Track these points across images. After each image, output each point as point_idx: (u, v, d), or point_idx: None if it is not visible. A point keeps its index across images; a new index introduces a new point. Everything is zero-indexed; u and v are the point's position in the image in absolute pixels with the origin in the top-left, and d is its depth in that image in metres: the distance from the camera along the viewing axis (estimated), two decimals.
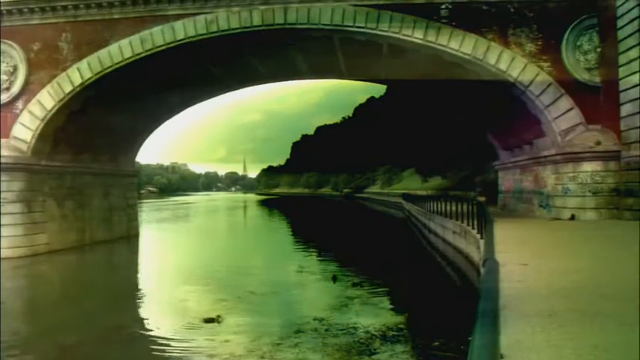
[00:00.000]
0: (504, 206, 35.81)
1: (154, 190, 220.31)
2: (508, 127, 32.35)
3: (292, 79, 41.54)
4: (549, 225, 22.91)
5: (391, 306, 18.03)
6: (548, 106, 25.24)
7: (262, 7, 26.83)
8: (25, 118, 28.57)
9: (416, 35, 25.86)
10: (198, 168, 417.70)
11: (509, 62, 25.51)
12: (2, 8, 28.74)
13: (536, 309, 7.81)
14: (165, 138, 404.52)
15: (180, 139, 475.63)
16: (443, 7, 25.92)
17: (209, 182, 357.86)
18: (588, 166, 24.50)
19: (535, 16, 25.61)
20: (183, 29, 27.42)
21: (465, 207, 23.54)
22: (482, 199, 37.18)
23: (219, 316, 15.79)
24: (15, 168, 28.15)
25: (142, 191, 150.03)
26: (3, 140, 28.46)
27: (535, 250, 14.60)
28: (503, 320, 6.50)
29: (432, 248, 30.26)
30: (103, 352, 13.53)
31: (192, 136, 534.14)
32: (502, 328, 5.96)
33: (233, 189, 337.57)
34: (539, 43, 25.58)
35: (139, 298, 20.31)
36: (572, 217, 24.26)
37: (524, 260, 12.07)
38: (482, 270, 9.27)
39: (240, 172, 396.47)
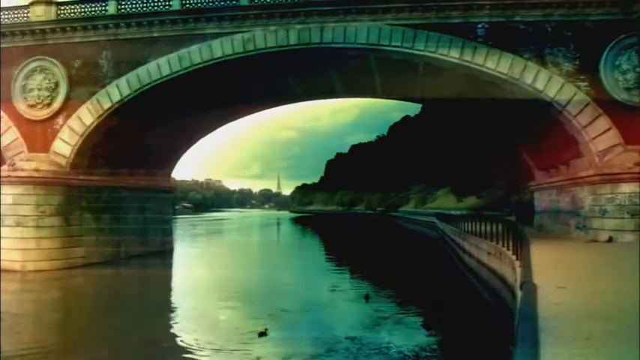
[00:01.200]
0: (541, 227, 35.25)
1: (189, 205, 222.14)
2: (544, 147, 31.93)
3: (327, 98, 41.77)
4: (586, 247, 22.49)
5: (424, 326, 17.82)
6: (586, 126, 24.90)
7: (299, 27, 27.08)
8: (64, 133, 29.18)
9: (452, 54, 25.81)
10: (233, 184, 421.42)
11: (546, 82, 25.27)
12: (46, 27, 29.51)
13: (574, 332, 7.66)
14: (201, 154, 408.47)
15: (215, 156, 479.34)
16: (479, 26, 25.88)
17: (243, 199, 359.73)
18: (627, 188, 23.98)
19: (573, 35, 25.38)
20: (221, 48, 27.78)
21: (499, 227, 23.20)
22: (510, 218, 36.67)
23: (266, 329, 15.96)
24: (54, 182, 28.74)
25: (177, 207, 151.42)
26: (42, 155, 29.09)
27: (572, 272, 14.34)
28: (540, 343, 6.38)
29: (466, 269, 29.88)
30: None
31: (227, 152, 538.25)
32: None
33: (267, 206, 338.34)
34: (577, 62, 25.31)
35: (172, 313, 20.40)
36: (610, 239, 23.75)
37: (561, 282, 11.85)
38: (519, 292, 9.15)
39: (274, 190, 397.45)
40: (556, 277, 12.87)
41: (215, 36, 27.98)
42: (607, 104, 24.75)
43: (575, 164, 27.75)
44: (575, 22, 25.48)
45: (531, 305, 7.14)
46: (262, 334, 15.71)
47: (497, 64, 25.56)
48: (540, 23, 25.69)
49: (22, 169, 28.55)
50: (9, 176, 28.55)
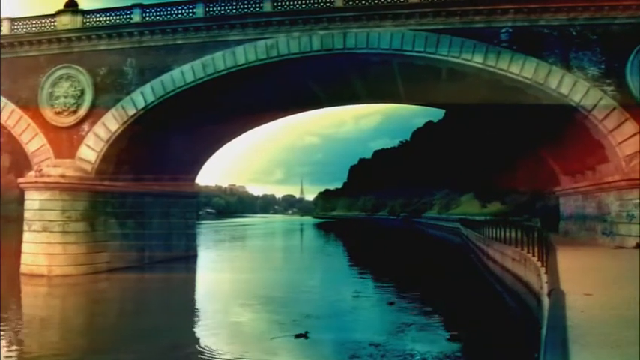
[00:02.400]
0: (566, 233, 34.87)
1: (212, 211, 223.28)
2: (569, 152, 31.60)
3: (350, 104, 41.75)
4: (613, 253, 22.19)
5: (448, 333, 17.70)
6: (612, 130, 24.58)
7: (322, 33, 27.14)
8: (90, 139, 29.51)
9: (475, 60, 25.68)
10: (256, 190, 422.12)
11: (571, 86, 25.02)
12: (72, 35, 29.92)
13: (601, 340, 7.55)
14: (225, 160, 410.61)
15: (238, 162, 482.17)
16: (503, 31, 25.72)
17: (266, 205, 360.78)
18: None
19: (598, 39, 25.12)
20: (244, 54, 27.93)
21: (523, 233, 22.97)
22: (529, 223, 36.34)
23: (307, 332, 16.05)
24: (80, 188, 29.08)
25: (201, 212, 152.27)
26: (69, 161, 29.45)
27: (599, 279, 14.16)
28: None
29: (490, 275, 29.64)
30: None
31: (250, 158, 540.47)
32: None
33: (290, 212, 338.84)
34: (602, 66, 25.04)
35: (196, 318, 20.52)
36: (638, 246, 23.39)
37: (588, 289, 11.69)
38: (543, 299, 9.05)
39: (297, 195, 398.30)
40: (583, 284, 12.71)
41: (238, 43, 28.14)
42: (634, 108, 24.42)
43: (601, 169, 27.41)
44: (601, 26, 25.21)
45: (560, 313, 7.04)
46: (301, 335, 15.77)
47: (522, 69, 25.37)
48: (565, 27, 25.46)
49: (49, 175, 28.94)
50: (36, 182, 28.97)
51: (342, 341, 16.29)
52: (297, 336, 15.89)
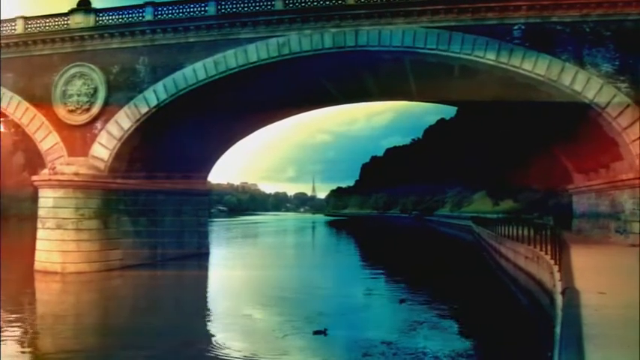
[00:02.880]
0: (579, 231, 34.65)
1: (224, 209, 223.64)
2: (583, 149, 31.38)
3: (362, 101, 41.69)
4: (627, 251, 22.03)
5: (460, 331, 17.66)
6: (626, 128, 24.38)
7: (334, 30, 27.11)
8: (103, 137, 29.66)
9: (488, 56, 25.55)
10: (268, 188, 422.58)
11: (585, 83, 24.81)
12: (85, 33, 30.08)
13: (615, 339, 7.51)
14: (237, 158, 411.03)
15: (250, 159, 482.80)
16: (516, 27, 25.57)
17: (278, 202, 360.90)
18: None
19: (612, 35, 24.90)
20: (256, 52, 27.96)
21: (536, 231, 22.85)
22: (538, 221, 36.18)
23: (326, 329, 16.09)
24: (93, 186, 29.25)
25: (213, 210, 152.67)
26: (82, 159, 29.61)
27: (612, 277, 14.08)
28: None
29: (503, 273, 29.52)
30: None
31: (262, 156, 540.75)
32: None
33: (302, 209, 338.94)
34: (616, 62, 24.81)
35: (208, 316, 20.59)
36: None
37: (601, 288, 11.63)
38: (557, 297, 9.00)
39: (309, 193, 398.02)
40: (596, 282, 12.64)
41: (250, 40, 28.17)
42: None
43: (615, 167, 27.21)
44: (615, 22, 24.99)
45: (574, 312, 6.99)
46: (319, 332, 15.80)
47: (535, 66, 25.22)
48: (578, 24, 25.26)
49: (63, 173, 29.12)
50: (50, 180, 29.16)
51: (355, 339, 16.30)
52: (316, 333, 15.91)
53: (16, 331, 17.02)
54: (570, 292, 8.70)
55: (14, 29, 31.48)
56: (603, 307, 9.82)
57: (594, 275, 14.18)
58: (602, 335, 7.72)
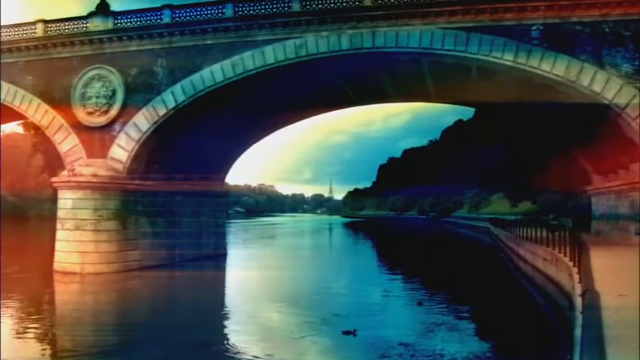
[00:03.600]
0: (598, 233, 34.35)
1: (242, 210, 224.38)
2: (602, 150, 31.09)
3: (379, 102, 41.62)
4: None
5: (478, 333, 17.58)
6: None
7: (350, 32, 27.09)
8: (121, 139, 29.88)
9: (506, 57, 25.38)
10: (285, 189, 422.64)
11: (604, 84, 24.55)
12: (103, 36, 30.34)
13: (635, 341, 7.42)
14: (254, 159, 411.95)
15: (268, 161, 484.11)
16: (534, 28, 25.38)
17: (295, 204, 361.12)
18: None
19: (632, 35, 24.61)
20: (273, 54, 28.01)
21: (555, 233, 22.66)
22: (554, 222, 35.95)
23: (355, 330, 16.13)
24: (111, 187, 29.47)
25: (230, 211, 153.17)
26: (100, 160, 29.84)
27: (632, 279, 13.90)
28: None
29: (521, 274, 29.32)
30: None
31: (279, 157, 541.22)
32: None
33: (319, 211, 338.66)
34: (636, 63, 24.53)
35: (225, 316, 20.67)
36: None
37: (621, 290, 11.52)
38: (576, 299, 8.93)
39: (326, 195, 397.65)
40: (616, 284, 12.54)
41: (267, 42, 28.23)
42: None
43: (635, 168, 26.95)
44: (634, 22, 24.68)
45: (595, 314, 6.92)
46: (349, 332, 15.83)
47: (553, 67, 25.01)
48: (597, 24, 25.01)
49: (82, 175, 29.38)
50: (69, 181, 29.45)
51: (372, 341, 16.27)
52: (345, 333, 15.93)
53: (37, 330, 17.23)
54: (590, 294, 8.61)
55: (34, 32, 31.83)
56: (623, 309, 9.73)
57: (614, 277, 14.05)
58: (623, 337, 7.65)
